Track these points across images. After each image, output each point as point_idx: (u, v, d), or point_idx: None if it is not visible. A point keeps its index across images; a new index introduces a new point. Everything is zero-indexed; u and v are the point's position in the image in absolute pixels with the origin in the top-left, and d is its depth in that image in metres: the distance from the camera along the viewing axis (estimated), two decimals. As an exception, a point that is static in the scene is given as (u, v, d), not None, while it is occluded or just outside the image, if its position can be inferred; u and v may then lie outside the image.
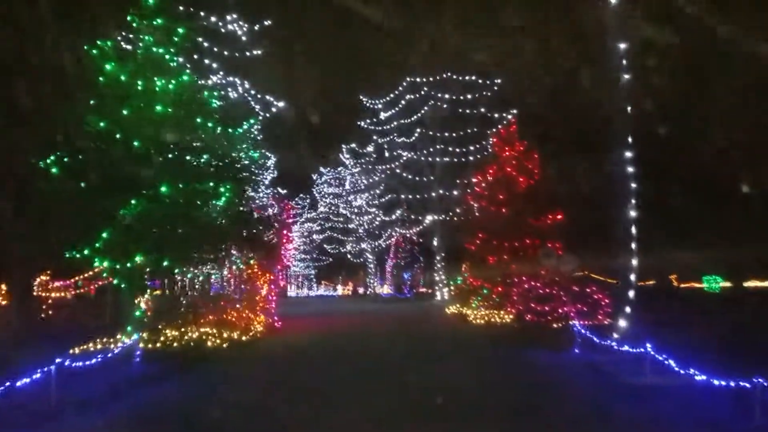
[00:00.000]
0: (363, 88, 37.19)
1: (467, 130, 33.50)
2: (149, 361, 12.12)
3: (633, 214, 14.97)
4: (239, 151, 16.12)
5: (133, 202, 14.13)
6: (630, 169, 14.59)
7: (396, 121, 35.49)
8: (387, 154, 36.78)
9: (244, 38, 20.82)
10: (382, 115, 36.41)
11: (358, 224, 49.22)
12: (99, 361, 10.00)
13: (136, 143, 14.42)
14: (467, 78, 32.88)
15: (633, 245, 15.08)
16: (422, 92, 33.86)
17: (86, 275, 20.76)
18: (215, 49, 20.00)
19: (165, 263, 14.67)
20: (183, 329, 16.29)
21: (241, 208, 16.39)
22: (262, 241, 17.19)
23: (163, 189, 14.36)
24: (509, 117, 25.49)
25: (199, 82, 16.13)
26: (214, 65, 19.62)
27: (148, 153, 14.60)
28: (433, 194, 35.43)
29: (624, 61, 14.12)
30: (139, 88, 14.99)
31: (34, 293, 19.65)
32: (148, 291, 16.41)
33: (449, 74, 33.10)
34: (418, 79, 33.93)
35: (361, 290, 60.16)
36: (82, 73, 14.88)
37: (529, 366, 12.67)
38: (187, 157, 14.94)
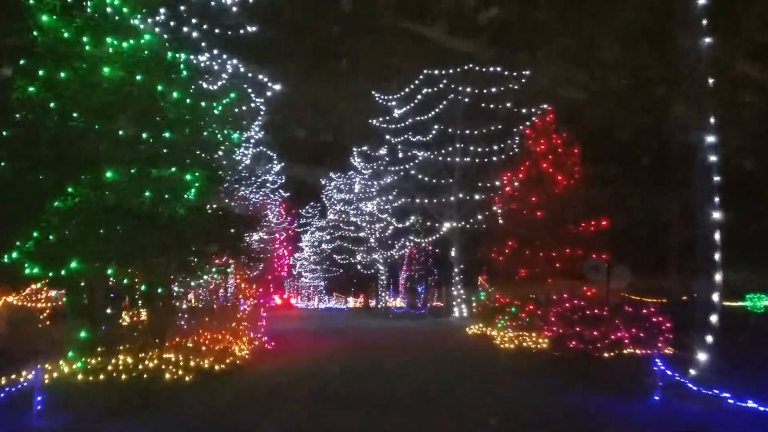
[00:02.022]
0: (376, 82, 33.95)
1: (491, 128, 29.92)
2: (64, 406, 8.71)
3: (716, 215, 11.69)
4: (216, 131, 12.70)
5: (69, 190, 10.81)
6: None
7: (411, 118, 32.00)
8: (401, 155, 33.25)
9: (234, 9, 17.53)
10: (396, 113, 32.94)
11: (369, 233, 45.72)
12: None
13: (75, 114, 11.11)
14: (492, 69, 29.38)
15: (717, 256, 11.67)
16: (441, 85, 30.39)
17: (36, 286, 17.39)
18: (205, 27, 16.72)
19: (109, 272, 11.24)
20: (141, 355, 12.97)
21: (213, 205, 12.90)
22: (243, 246, 13.73)
23: (109, 174, 11.01)
24: (541, 110, 21.77)
25: (166, 45, 12.68)
26: (203, 44, 16.34)
27: (90, 127, 11.27)
28: (452, 198, 31.75)
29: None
30: (86, 48, 11.71)
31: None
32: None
33: (471, 65, 29.64)
34: (436, 72, 30.48)
35: (372, 303, 56.59)
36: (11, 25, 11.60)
37: (598, 426, 8.95)
38: (144, 135, 11.53)
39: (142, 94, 11.57)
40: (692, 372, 11.10)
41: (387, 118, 33.50)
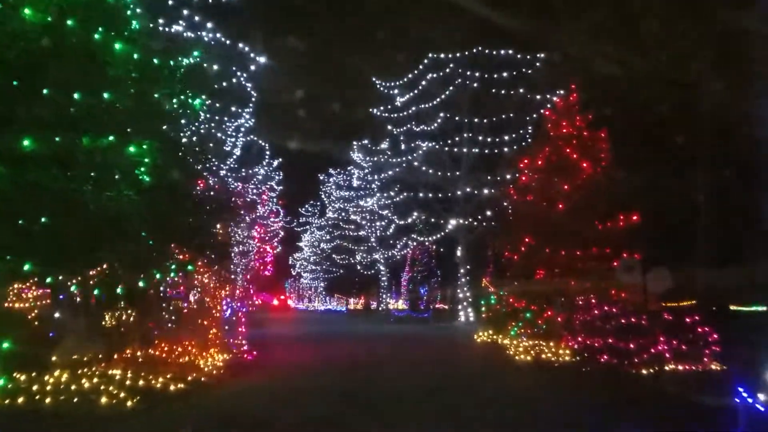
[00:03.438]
0: (377, 68, 31.42)
1: (502, 116, 27.36)
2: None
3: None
4: (172, 96, 10.21)
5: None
6: None
7: (415, 106, 29.48)
8: (403, 147, 30.70)
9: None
10: (399, 101, 30.41)
11: (370, 231, 43.25)
12: None
13: (-15, 67, 8.69)
14: (503, 52, 26.84)
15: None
16: (447, 70, 27.87)
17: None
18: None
19: (26, 268, 8.78)
20: (82, 371, 10.57)
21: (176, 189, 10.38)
22: (207, 239, 11.25)
23: (27, 143, 8.57)
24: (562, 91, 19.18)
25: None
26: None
27: (6, 83, 8.82)
28: (459, 193, 29.18)
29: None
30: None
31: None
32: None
33: (480, 48, 27.13)
34: (442, 55, 27.95)
35: (373, 305, 54.15)
36: None
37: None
38: (75, 96, 9.06)
39: (75, 45, 9.11)
40: (762, 396, 8.76)
41: (389, 106, 31.01)
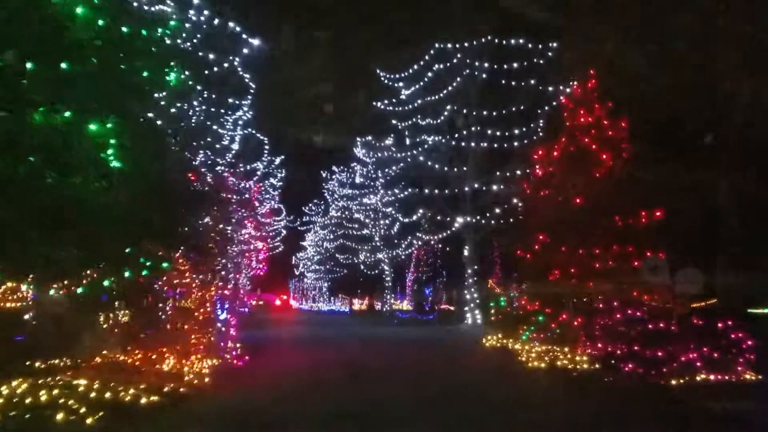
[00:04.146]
0: (380, 59, 30.05)
1: (512, 108, 25.98)
2: None
3: None
4: (143, 69, 8.94)
5: None
6: None
7: (420, 98, 28.11)
8: (408, 141, 29.32)
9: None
10: (404, 93, 29.05)
11: (374, 230, 41.95)
12: None
13: None
14: (513, 41, 25.45)
15: None
16: (455, 60, 26.52)
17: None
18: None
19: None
20: (43, 380, 9.39)
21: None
22: (183, 233, 9.99)
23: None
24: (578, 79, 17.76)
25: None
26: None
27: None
28: (466, 189, 27.80)
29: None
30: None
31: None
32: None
33: (489, 37, 25.75)
34: (449, 45, 26.60)
35: (378, 306, 52.94)
36: None
37: None
38: (28, 65, 7.80)
39: (26, 5, 7.87)
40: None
41: (393, 100, 29.66)
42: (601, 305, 14.11)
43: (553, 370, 14.19)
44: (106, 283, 9.73)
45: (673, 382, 11.98)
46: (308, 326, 33.55)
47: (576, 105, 16.40)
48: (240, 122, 22.85)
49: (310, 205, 59.98)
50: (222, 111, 20.42)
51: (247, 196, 20.32)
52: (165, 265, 9.83)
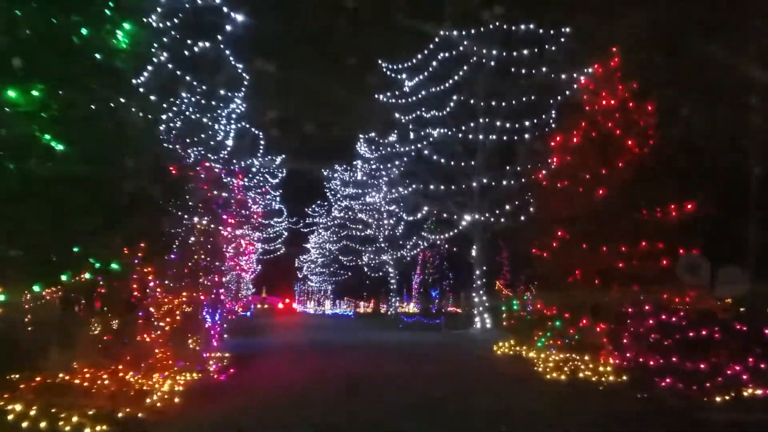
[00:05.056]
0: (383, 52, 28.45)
1: (523, 98, 24.32)
2: None
3: None
4: (81, 21, 7.30)
5: None
6: None
7: (425, 90, 26.49)
8: (412, 135, 27.68)
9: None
10: (407, 85, 27.42)
11: (378, 231, 40.41)
12: None
13: None
14: (523, 27, 23.80)
15: None
16: (461, 48, 24.88)
17: None
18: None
19: None
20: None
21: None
22: (138, 226, 8.40)
23: None
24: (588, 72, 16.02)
25: None
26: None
27: None
28: (474, 185, 26.11)
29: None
30: None
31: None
32: None
33: (497, 23, 24.11)
34: (455, 33, 24.96)
35: (383, 308, 51.48)
36: None
37: None
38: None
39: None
40: None
41: (396, 92, 28.05)
42: (629, 309, 12.41)
43: (575, 383, 12.53)
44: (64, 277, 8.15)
45: (717, 398, 10.33)
46: (309, 330, 32.00)
47: (597, 86, 14.73)
48: (227, 112, 21.35)
49: (313, 206, 58.60)
50: (213, 103, 19.05)
51: (232, 185, 18.68)
52: (114, 266, 8.22)
